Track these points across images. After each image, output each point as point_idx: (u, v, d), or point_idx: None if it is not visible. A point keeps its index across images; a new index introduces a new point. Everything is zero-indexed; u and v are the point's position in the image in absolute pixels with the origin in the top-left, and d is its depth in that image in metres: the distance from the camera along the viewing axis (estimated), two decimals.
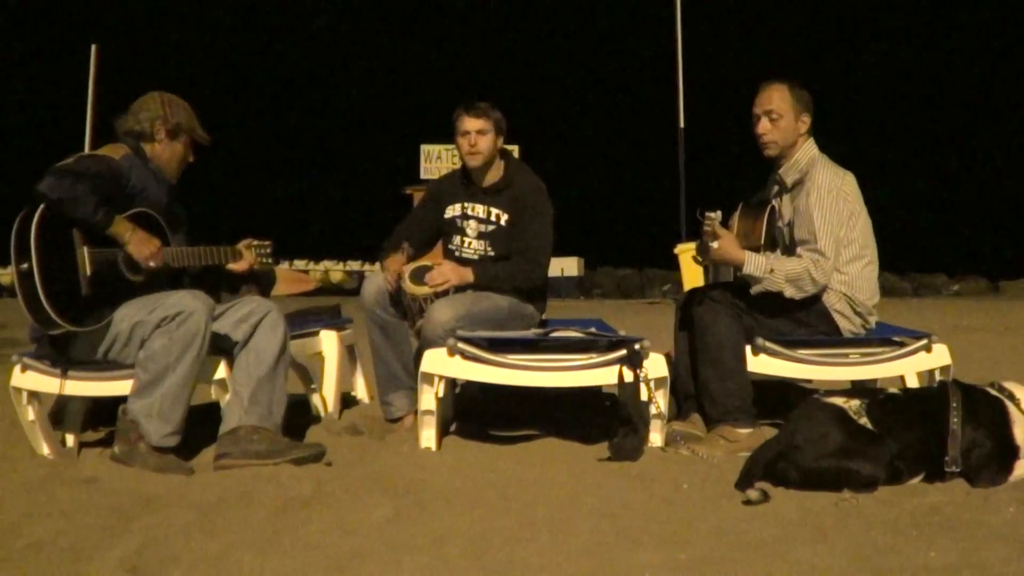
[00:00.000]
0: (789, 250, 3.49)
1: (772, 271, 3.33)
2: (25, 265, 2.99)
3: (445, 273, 3.66)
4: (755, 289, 3.38)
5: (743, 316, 3.43)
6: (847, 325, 3.49)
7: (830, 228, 3.36)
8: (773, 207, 3.60)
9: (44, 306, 3.00)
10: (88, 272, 3.10)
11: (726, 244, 3.35)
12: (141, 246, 3.17)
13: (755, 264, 3.35)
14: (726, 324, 3.37)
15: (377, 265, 3.90)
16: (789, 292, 3.36)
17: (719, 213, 3.37)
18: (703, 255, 3.45)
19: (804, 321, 3.48)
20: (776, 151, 3.52)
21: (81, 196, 3.01)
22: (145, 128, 3.34)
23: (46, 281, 3.00)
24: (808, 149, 3.52)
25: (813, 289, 3.36)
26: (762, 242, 3.58)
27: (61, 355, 3.23)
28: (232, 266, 3.49)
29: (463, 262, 3.81)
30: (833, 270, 3.38)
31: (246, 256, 3.50)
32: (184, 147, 3.43)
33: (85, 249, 3.10)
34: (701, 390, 3.46)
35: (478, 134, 3.76)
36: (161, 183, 3.39)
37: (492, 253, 3.83)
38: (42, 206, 3.02)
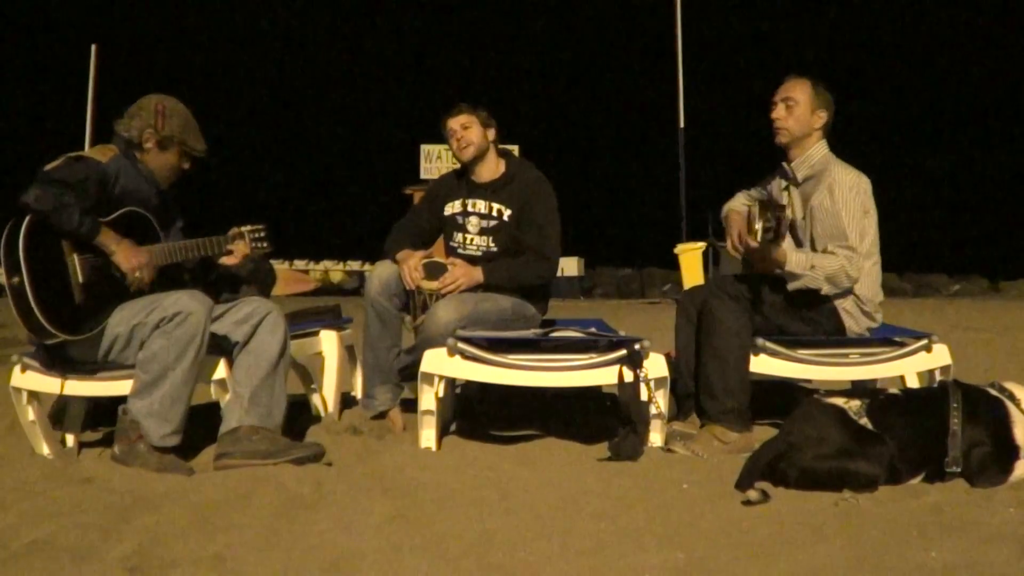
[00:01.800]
0: (797, 244, 3.51)
1: (813, 267, 3.37)
2: (16, 278, 2.97)
3: (456, 276, 3.67)
4: (792, 285, 3.40)
5: (751, 313, 3.44)
6: (853, 324, 3.50)
7: (856, 224, 3.40)
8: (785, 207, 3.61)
9: (38, 318, 2.99)
10: (81, 279, 3.08)
11: (783, 244, 3.34)
12: (128, 257, 3.15)
13: (796, 261, 3.37)
14: (736, 320, 3.38)
15: (377, 264, 3.90)
16: (826, 289, 3.39)
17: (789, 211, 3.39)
18: (763, 250, 3.29)
19: (811, 320, 3.49)
20: (787, 138, 3.55)
21: (66, 207, 2.98)
22: (134, 136, 3.31)
23: (38, 293, 2.98)
24: (821, 147, 3.56)
25: (848, 284, 3.41)
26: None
27: (60, 359, 3.22)
28: (227, 260, 3.46)
29: (466, 259, 3.82)
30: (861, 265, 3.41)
31: (238, 244, 3.46)
32: (175, 157, 3.38)
33: (76, 256, 3.08)
34: (700, 383, 3.46)
35: (463, 128, 3.84)
36: (151, 183, 3.37)
37: (495, 249, 3.83)
38: (29, 217, 3.00)
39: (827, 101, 3.56)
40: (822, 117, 3.55)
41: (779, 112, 3.55)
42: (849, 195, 3.41)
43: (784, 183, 3.65)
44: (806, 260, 3.38)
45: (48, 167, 3.09)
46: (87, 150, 3.32)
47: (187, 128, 3.38)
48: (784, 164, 3.62)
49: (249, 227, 3.50)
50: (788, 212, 3.41)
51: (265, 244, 3.52)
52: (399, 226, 3.99)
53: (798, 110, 3.52)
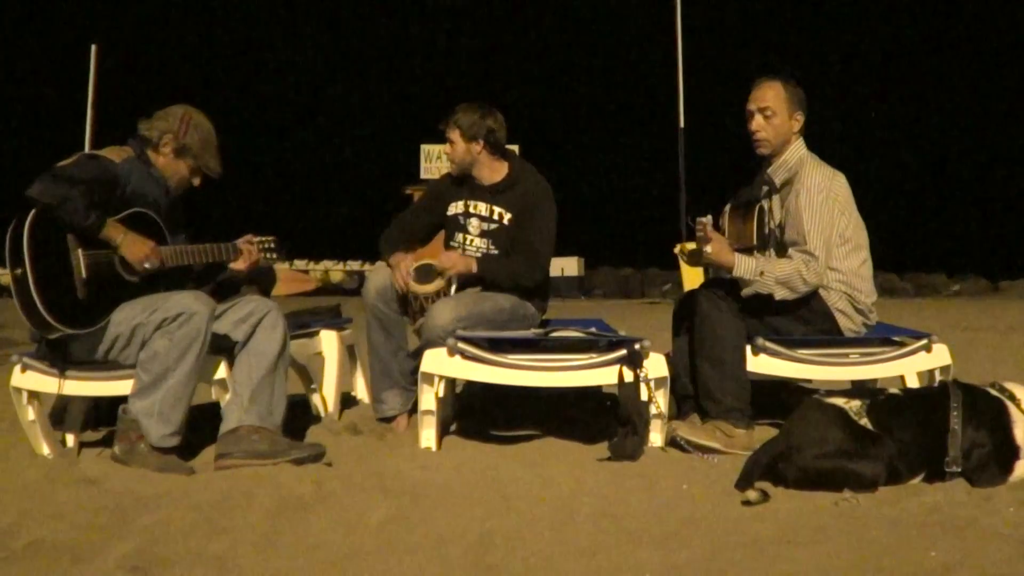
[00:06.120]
0: (781, 250, 3.50)
1: (762, 273, 3.34)
2: (19, 270, 2.98)
3: (452, 258, 3.69)
4: (746, 291, 3.38)
5: (745, 314, 3.43)
6: (848, 324, 3.49)
7: (820, 228, 3.36)
8: (762, 207, 3.60)
9: (40, 311, 2.99)
10: (84, 275, 3.08)
11: (718, 248, 3.36)
12: (134, 248, 3.16)
13: (745, 267, 3.35)
14: (729, 322, 3.37)
15: (378, 264, 3.90)
16: (780, 294, 3.35)
17: (709, 217, 3.40)
18: (695, 259, 3.46)
19: (806, 320, 3.47)
20: (769, 149, 3.52)
21: (72, 200, 2.99)
22: (154, 137, 3.35)
23: (40, 285, 2.99)
24: (797, 149, 3.52)
25: (805, 289, 3.36)
26: (754, 242, 3.58)
27: (61, 357, 3.22)
28: (234, 265, 3.48)
29: None
30: (824, 270, 3.38)
31: (246, 253, 3.48)
32: (188, 169, 3.41)
33: (80, 252, 3.08)
34: (699, 386, 3.45)
35: (449, 144, 3.86)
36: (161, 186, 3.38)
37: (495, 251, 3.83)
38: (34, 211, 3.01)
39: (801, 100, 3.51)
40: (800, 120, 3.51)
41: (758, 124, 3.49)
42: (816, 198, 3.36)
43: (765, 188, 3.64)
44: (755, 266, 3.35)
45: (60, 164, 3.10)
46: (102, 150, 3.33)
47: (206, 145, 3.41)
48: (764, 171, 3.60)
49: (260, 238, 3.52)
50: (707, 221, 3.39)
51: (275, 255, 3.55)
52: (396, 222, 3.99)
53: (776, 119, 3.47)
